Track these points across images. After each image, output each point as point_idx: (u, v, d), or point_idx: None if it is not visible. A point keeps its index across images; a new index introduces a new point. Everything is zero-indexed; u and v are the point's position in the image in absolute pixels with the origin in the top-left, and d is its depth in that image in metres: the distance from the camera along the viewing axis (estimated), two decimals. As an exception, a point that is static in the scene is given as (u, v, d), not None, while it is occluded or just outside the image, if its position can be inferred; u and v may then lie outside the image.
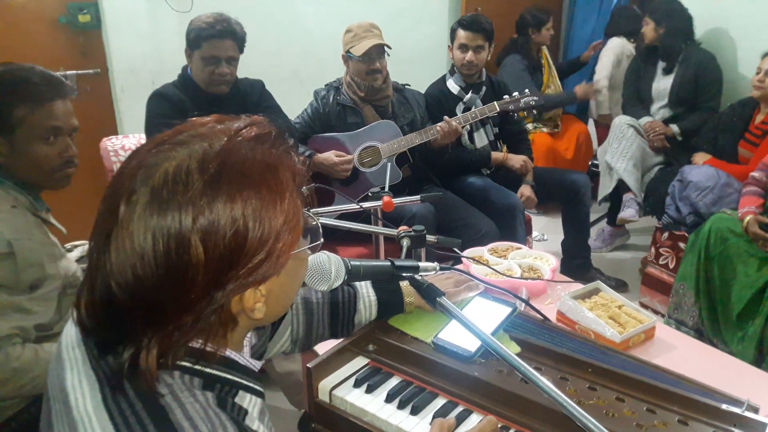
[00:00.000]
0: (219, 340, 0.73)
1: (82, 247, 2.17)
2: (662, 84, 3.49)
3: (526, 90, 2.83)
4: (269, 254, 0.69)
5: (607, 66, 4.01)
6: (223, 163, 0.68)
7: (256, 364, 0.81)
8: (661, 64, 3.49)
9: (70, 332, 0.78)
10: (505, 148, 3.15)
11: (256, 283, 0.70)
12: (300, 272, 0.82)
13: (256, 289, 0.71)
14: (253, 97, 2.59)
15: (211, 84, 2.44)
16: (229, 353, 0.76)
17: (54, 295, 1.54)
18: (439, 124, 2.71)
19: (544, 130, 4.17)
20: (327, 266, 1.04)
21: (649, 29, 3.48)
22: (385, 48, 2.69)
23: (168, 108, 2.42)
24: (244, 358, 0.79)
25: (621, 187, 3.40)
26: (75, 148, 1.61)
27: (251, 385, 0.78)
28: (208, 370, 0.72)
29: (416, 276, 1.17)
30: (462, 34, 2.94)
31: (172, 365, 0.69)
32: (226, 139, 0.70)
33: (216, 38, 2.38)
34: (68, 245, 2.18)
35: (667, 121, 3.43)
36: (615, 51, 4.03)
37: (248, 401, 0.76)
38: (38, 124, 1.52)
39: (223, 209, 0.66)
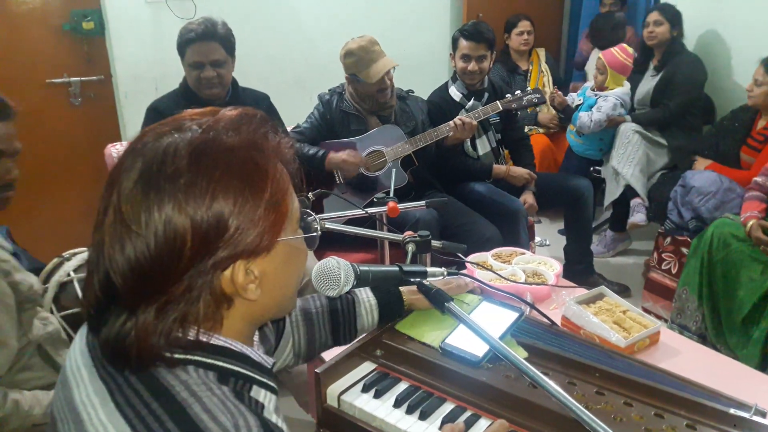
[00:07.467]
0: (216, 322, 0.74)
1: (81, 255, 2.15)
2: (647, 86, 3.56)
3: (528, 88, 2.85)
4: (253, 229, 0.70)
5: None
6: (206, 142, 0.70)
7: (268, 360, 0.82)
8: (651, 66, 3.54)
9: (74, 355, 0.79)
10: (507, 155, 3.16)
11: (242, 257, 0.71)
12: (296, 261, 0.81)
13: (248, 269, 0.72)
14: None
15: (201, 89, 2.43)
16: (241, 347, 0.76)
17: (9, 325, 1.42)
18: (453, 120, 2.73)
19: (540, 130, 4.16)
20: (336, 271, 1.04)
21: (663, 30, 3.46)
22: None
23: None
24: (257, 353, 0.79)
25: (627, 193, 3.42)
26: (16, 170, 1.54)
27: (265, 380, 0.78)
28: (220, 363, 0.73)
29: (424, 281, 1.17)
30: (464, 44, 2.95)
31: (174, 359, 0.69)
32: (211, 120, 0.73)
33: (197, 42, 2.36)
34: (66, 254, 2.16)
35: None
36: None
37: (263, 396, 0.76)
38: None
39: (207, 187, 0.68)
